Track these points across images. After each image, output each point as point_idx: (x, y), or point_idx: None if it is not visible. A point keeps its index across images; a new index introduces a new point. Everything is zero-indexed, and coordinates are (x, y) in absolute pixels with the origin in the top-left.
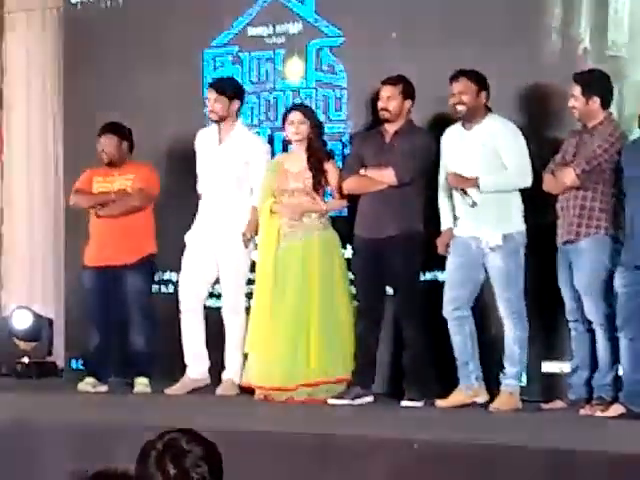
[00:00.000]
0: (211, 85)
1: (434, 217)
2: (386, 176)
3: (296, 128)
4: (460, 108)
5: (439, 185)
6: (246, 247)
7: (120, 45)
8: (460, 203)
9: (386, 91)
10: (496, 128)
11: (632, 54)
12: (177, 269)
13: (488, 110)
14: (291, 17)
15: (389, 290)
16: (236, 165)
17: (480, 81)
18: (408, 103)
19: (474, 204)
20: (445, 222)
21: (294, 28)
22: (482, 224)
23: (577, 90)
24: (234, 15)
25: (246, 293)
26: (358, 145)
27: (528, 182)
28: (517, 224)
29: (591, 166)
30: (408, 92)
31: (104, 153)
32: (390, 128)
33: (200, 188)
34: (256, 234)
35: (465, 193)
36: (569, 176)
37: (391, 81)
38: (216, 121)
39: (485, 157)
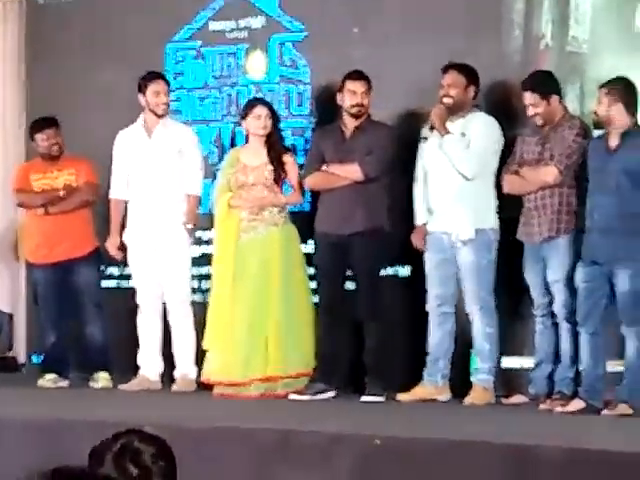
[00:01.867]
0: (163, 77)
1: (397, 212)
2: (352, 172)
3: (263, 122)
4: (446, 100)
5: (415, 179)
6: (189, 237)
7: (82, 38)
8: (434, 197)
9: (360, 86)
10: (474, 122)
11: (593, 50)
12: (115, 264)
13: (475, 106)
14: (254, 12)
15: (350, 285)
16: (169, 155)
17: (471, 76)
18: (371, 96)
19: (424, 139)
20: (420, 217)
21: (257, 23)
22: (456, 218)
23: (534, 97)
24: (197, 9)
25: (202, 288)
26: (318, 141)
27: (468, 173)
28: (491, 220)
29: (571, 160)
30: (371, 86)
31: (54, 146)
32: (350, 124)
33: (119, 192)
34: (195, 224)
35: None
36: (552, 173)
37: (362, 76)
38: (162, 115)
39: (462, 148)
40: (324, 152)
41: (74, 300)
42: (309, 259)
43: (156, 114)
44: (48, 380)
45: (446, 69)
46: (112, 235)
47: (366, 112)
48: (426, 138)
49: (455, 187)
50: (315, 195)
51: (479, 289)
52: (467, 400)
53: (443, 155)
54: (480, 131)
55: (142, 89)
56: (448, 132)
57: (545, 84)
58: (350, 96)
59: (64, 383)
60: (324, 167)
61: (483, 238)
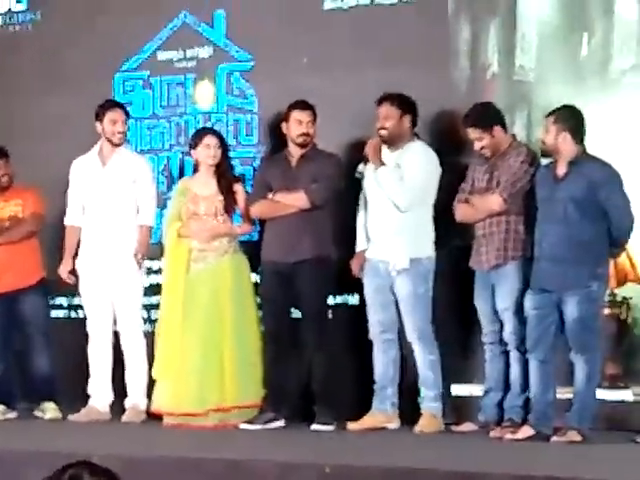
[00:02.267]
0: (121, 106)
1: (344, 240)
2: (298, 199)
3: (214, 152)
4: (382, 132)
5: (359, 207)
6: (139, 268)
7: (33, 67)
8: (372, 226)
9: (306, 116)
10: (410, 153)
11: (539, 78)
12: (64, 294)
13: (415, 136)
14: (201, 41)
15: (297, 313)
16: (123, 185)
17: (404, 106)
18: (315, 125)
19: (359, 174)
20: (360, 244)
21: (204, 52)
22: (391, 248)
23: (477, 132)
24: (145, 39)
25: (151, 318)
26: (264, 170)
27: (402, 205)
28: (426, 249)
29: (516, 188)
30: (316, 117)
31: (3, 177)
32: (296, 153)
33: (74, 219)
34: (146, 253)
35: (365, 163)
36: (496, 202)
37: (308, 106)
38: (118, 144)
39: (395, 180)
40: (270, 181)
41: (21, 330)
42: (256, 288)
43: (112, 143)
44: None
45: (380, 101)
46: (65, 260)
47: (312, 141)
48: (361, 173)
49: (391, 217)
50: (262, 224)
51: (416, 319)
52: (416, 428)
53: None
54: (414, 162)
55: (99, 117)
56: (382, 164)
57: (485, 117)
58: (296, 126)
59: (12, 414)
60: (270, 195)
61: (418, 268)
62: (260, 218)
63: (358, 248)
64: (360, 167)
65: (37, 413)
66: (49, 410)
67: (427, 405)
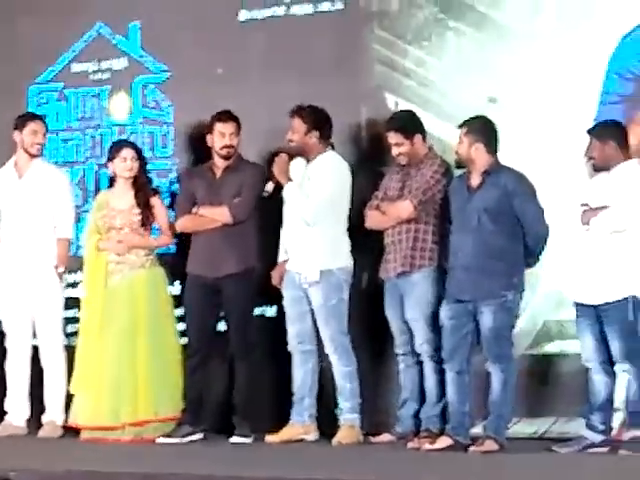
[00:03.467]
0: (42, 118)
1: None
2: (221, 214)
3: (130, 164)
4: (291, 145)
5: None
6: (60, 281)
7: None
8: (288, 239)
9: (230, 128)
10: (320, 165)
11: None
12: None
13: (331, 147)
14: (116, 53)
15: (221, 327)
16: (40, 197)
17: (312, 119)
18: (239, 136)
19: (266, 193)
20: (281, 255)
21: (119, 64)
22: (303, 260)
23: (398, 137)
24: (59, 51)
25: (71, 332)
26: (187, 182)
27: (308, 219)
28: (337, 260)
29: (427, 196)
30: (240, 126)
31: None
32: (221, 164)
33: None
34: (65, 266)
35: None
36: (406, 209)
37: (231, 117)
38: (36, 155)
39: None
40: (195, 193)
41: None
42: (178, 300)
43: (30, 154)
44: None
45: (290, 114)
46: None
47: (235, 152)
48: (268, 192)
49: (301, 230)
50: (181, 236)
51: (331, 330)
52: (334, 439)
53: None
54: (320, 175)
55: (19, 127)
56: (289, 180)
57: (409, 124)
58: (219, 138)
59: None
60: (194, 210)
61: (330, 279)
62: (184, 232)
63: (280, 259)
64: (268, 186)
65: None
66: None
67: (345, 416)
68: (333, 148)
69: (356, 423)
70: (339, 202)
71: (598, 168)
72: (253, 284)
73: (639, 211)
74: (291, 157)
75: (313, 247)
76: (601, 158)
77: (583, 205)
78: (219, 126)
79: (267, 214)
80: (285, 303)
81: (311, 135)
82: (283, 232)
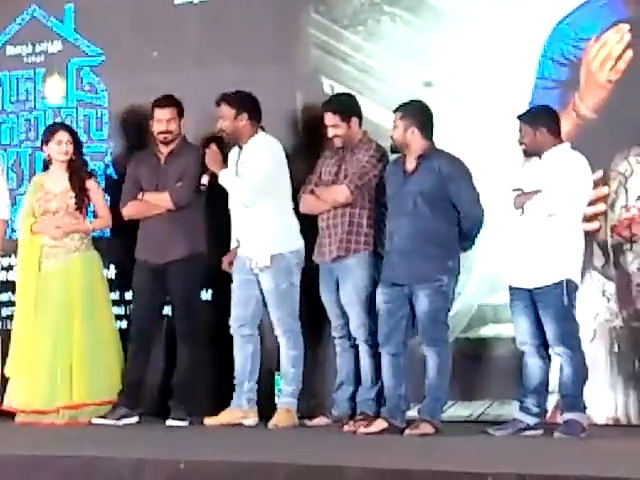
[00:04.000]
0: None
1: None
2: (163, 200)
3: (65, 147)
4: (221, 133)
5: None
6: None
7: None
8: (235, 225)
9: (167, 113)
10: (251, 147)
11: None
12: None
13: (261, 129)
14: (51, 36)
15: (167, 311)
16: None
17: (238, 104)
18: (182, 120)
19: (202, 186)
20: (233, 241)
21: (54, 47)
22: (251, 245)
23: (335, 118)
24: None
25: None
26: (133, 168)
27: (245, 201)
28: (288, 243)
29: (363, 181)
30: (182, 111)
31: None
32: (164, 149)
33: None
34: (2, 248)
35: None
36: (342, 193)
37: (169, 102)
38: None
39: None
40: (141, 179)
41: None
42: (113, 284)
43: None
44: None
45: (216, 103)
46: None
47: (175, 137)
48: (204, 185)
49: (247, 215)
50: (116, 220)
51: (280, 313)
52: (270, 423)
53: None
54: (252, 157)
55: None
56: (223, 168)
57: (347, 106)
58: (157, 124)
59: None
60: (139, 196)
61: (281, 263)
62: (131, 219)
63: (232, 245)
64: (203, 179)
65: None
66: None
67: (283, 400)
68: (264, 130)
69: (293, 407)
70: (277, 181)
71: (529, 154)
72: (199, 269)
73: (571, 195)
74: (225, 145)
75: (261, 231)
76: (532, 144)
77: (516, 190)
78: (157, 112)
79: (218, 200)
80: (233, 286)
81: (240, 118)
82: (232, 219)
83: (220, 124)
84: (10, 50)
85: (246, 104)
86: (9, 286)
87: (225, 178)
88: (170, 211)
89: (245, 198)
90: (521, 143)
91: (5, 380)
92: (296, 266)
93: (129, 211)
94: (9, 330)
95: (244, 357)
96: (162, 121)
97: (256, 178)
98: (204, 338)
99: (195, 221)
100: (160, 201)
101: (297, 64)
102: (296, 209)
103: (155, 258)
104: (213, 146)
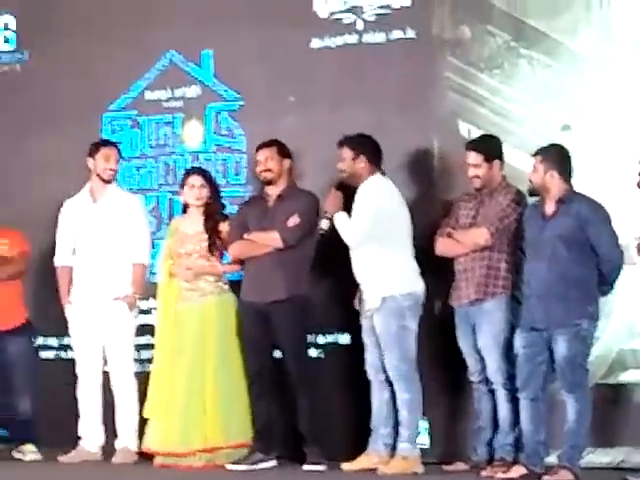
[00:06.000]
0: (115, 145)
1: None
2: (271, 239)
3: (198, 192)
4: (340, 175)
5: None
6: (132, 307)
7: (19, 109)
8: (354, 265)
9: (262, 154)
10: (363, 189)
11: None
12: (54, 334)
13: (381, 173)
14: (189, 81)
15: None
16: (115, 223)
17: (358, 146)
18: (287, 162)
19: (321, 230)
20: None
21: (192, 92)
22: (366, 288)
23: (479, 158)
24: (132, 79)
25: (141, 358)
26: (243, 210)
27: (350, 243)
28: (401, 286)
29: (503, 224)
30: (284, 152)
31: None
32: (273, 192)
33: (64, 259)
34: (142, 292)
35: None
36: (483, 236)
37: (265, 144)
38: (108, 181)
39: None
40: (248, 221)
41: (3, 372)
42: None
43: (102, 179)
44: None
45: (339, 144)
46: (63, 298)
47: (277, 177)
48: (323, 229)
49: (360, 257)
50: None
51: (391, 356)
52: (380, 470)
53: None
54: (360, 200)
55: (92, 153)
56: (339, 211)
57: (491, 148)
58: (258, 166)
59: None
60: (246, 235)
61: (390, 305)
62: (237, 258)
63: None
64: (322, 224)
65: (16, 455)
66: (28, 452)
67: (400, 446)
68: (384, 174)
69: (411, 453)
70: (389, 224)
71: None
72: (303, 311)
73: None
74: (348, 189)
75: (372, 273)
76: None
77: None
78: (257, 155)
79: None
80: (362, 332)
81: (359, 161)
82: (352, 261)
83: (340, 166)
84: (149, 95)
85: (366, 147)
86: (148, 329)
87: (338, 220)
88: (276, 252)
89: (350, 240)
90: None
91: (144, 422)
92: (409, 309)
93: (234, 251)
94: (148, 372)
95: (379, 402)
96: (261, 161)
97: (362, 220)
98: (339, 380)
99: (298, 262)
100: (269, 240)
101: (434, 108)
102: (427, 252)
103: (257, 298)
104: (333, 189)
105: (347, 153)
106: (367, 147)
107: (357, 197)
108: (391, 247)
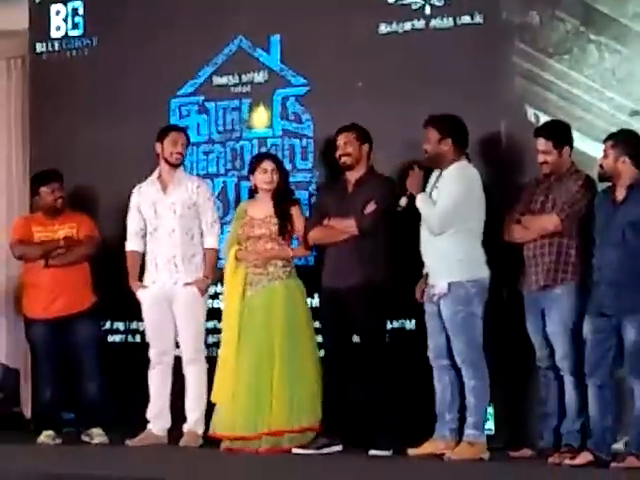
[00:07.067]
0: (184, 130)
1: (401, 265)
2: (348, 226)
3: (270, 176)
4: (426, 155)
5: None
6: (203, 292)
7: (86, 95)
8: (423, 250)
9: (342, 138)
10: (449, 174)
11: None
12: (121, 319)
13: (466, 157)
14: (257, 66)
15: (357, 338)
16: (184, 209)
17: (445, 128)
18: (366, 147)
19: (400, 208)
20: (426, 268)
21: (260, 77)
22: (432, 272)
23: (547, 144)
24: (200, 64)
25: (213, 342)
26: (322, 195)
27: (433, 228)
28: (469, 272)
29: (573, 210)
30: (364, 137)
31: (59, 199)
32: (352, 177)
33: (135, 244)
34: (213, 277)
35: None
36: (553, 222)
37: (345, 128)
38: (176, 165)
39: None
40: (327, 207)
41: (71, 356)
42: (315, 313)
43: (169, 163)
44: (47, 436)
45: (424, 124)
46: (132, 282)
47: (356, 161)
48: (402, 206)
49: (430, 242)
50: (319, 249)
51: (459, 343)
52: (446, 455)
53: None
54: (446, 185)
55: (161, 137)
56: (422, 191)
57: (560, 133)
58: (337, 149)
59: (59, 440)
60: (325, 221)
61: (458, 291)
62: (316, 244)
63: (424, 271)
64: (402, 201)
65: (84, 438)
66: (96, 436)
67: (466, 432)
68: (468, 158)
69: (477, 440)
70: (468, 211)
71: None
72: (380, 297)
73: None
74: (429, 170)
75: (442, 258)
76: None
77: None
78: (338, 139)
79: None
80: (425, 317)
81: (444, 143)
82: (421, 245)
83: (424, 146)
84: (217, 80)
85: (452, 129)
86: (215, 314)
87: (421, 202)
88: (353, 238)
89: (434, 225)
90: None
91: (211, 407)
92: (476, 296)
93: (314, 236)
94: (215, 357)
95: (442, 388)
96: (341, 145)
97: (447, 206)
98: (397, 367)
99: (376, 249)
100: (345, 227)
101: (501, 93)
102: (494, 238)
103: (335, 284)
104: (416, 168)
105: (432, 134)
106: (453, 129)
107: (443, 181)
108: (464, 234)
